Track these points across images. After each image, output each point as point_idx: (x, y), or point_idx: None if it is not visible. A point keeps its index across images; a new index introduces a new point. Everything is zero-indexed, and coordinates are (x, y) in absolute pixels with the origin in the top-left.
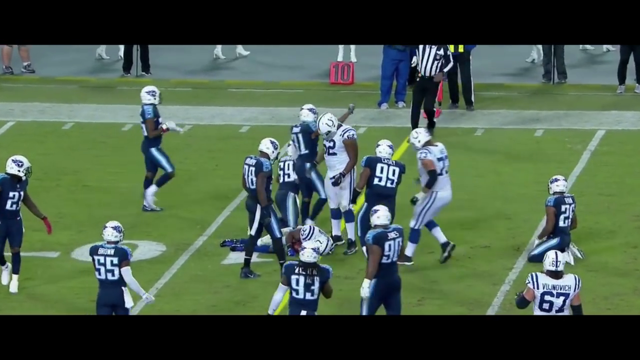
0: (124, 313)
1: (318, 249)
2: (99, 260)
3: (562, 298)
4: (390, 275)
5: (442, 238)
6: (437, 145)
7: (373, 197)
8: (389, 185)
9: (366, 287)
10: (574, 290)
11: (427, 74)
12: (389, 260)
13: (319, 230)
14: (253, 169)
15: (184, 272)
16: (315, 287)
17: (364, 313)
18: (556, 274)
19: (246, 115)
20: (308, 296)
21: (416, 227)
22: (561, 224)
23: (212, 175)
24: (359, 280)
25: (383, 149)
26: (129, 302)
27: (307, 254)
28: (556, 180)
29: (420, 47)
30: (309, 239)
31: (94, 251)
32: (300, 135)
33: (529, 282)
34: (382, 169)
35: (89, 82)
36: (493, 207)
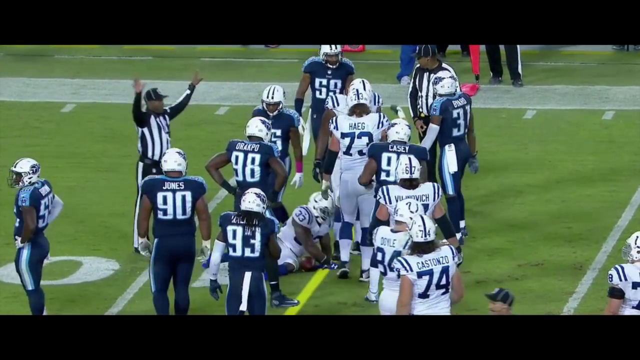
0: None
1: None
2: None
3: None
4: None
5: (346, 256)
6: (361, 116)
7: None
8: None
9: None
10: (434, 200)
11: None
12: (236, 253)
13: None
14: (257, 156)
15: (143, 298)
16: (257, 241)
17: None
18: (410, 183)
19: (224, 92)
20: (247, 252)
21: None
22: None
23: None
24: (367, 308)
25: (401, 129)
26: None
27: (249, 200)
28: None
29: (425, 81)
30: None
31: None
32: None
33: (380, 198)
34: (389, 159)
35: (18, 48)
36: (547, 213)
